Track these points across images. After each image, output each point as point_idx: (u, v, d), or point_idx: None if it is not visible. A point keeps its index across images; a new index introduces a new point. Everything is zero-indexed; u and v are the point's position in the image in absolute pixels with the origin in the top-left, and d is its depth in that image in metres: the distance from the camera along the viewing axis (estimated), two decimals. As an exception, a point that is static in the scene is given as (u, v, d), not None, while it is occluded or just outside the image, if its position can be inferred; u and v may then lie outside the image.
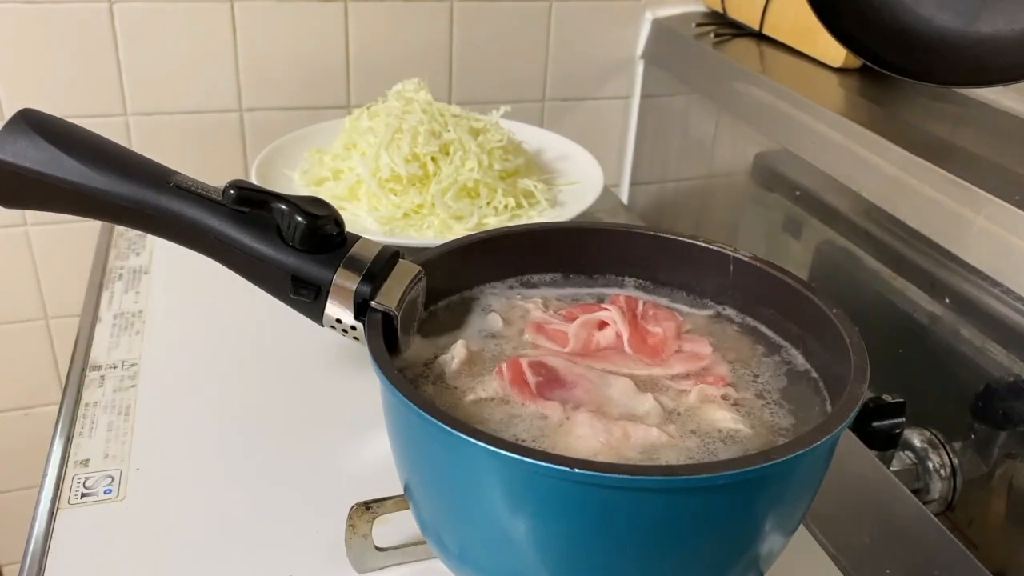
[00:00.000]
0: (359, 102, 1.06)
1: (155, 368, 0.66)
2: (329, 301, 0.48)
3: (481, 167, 0.81)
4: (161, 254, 0.81)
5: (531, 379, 0.45)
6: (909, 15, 0.84)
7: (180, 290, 0.76)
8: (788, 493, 0.40)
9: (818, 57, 0.97)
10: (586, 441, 0.41)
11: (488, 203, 0.82)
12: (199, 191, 0.49)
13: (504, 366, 0.45)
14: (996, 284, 0.67)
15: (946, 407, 0.73)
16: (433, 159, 0.81)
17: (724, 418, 0.44)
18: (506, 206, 0.82)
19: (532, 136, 0.95)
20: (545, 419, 0.43)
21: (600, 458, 0.40)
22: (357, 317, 0.47)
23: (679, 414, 0.44)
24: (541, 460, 0.35)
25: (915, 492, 0.70)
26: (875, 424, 0.68)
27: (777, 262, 0.51)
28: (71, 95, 1.00)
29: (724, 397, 0.45)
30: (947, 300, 0.73)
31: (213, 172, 1.00)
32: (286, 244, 0.48)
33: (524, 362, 0.45)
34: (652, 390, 0.46)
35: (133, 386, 0.64)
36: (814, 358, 0.48)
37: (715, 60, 1.04)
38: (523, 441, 0.41)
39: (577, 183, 0.89)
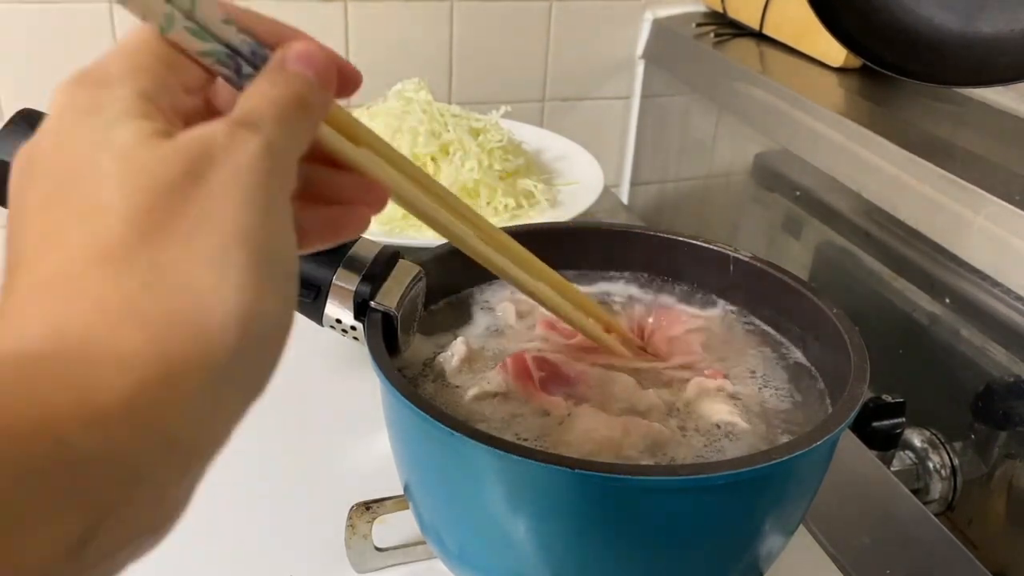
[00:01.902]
0: (359, 102, 1.06)
1: (155, 368, 0.66)
2: (329, 301, 0.48)
3: (481, 167, 0.81)
4: (161, 254, 0.81)
5: (535, 374, 0.45)
6: (909, 15, 0.84)
7: (180, 290, 0.76)
8: (788, 493, 0.40)
9: (818, 57, 0.97)
10: (588, 437, 0.41)
11: (488, 203, 0.81)
12: (199, 191, 0.49)
13: (508, 361, 0.45)
14: (996, 284, 0.67)
15: (946, 407, 0.73)
16: (433, 159, 0.81)
17: (722, 411, 0.44)
18: (506, 206, 0.82)
19: (532, 136, 0.95)
20: (547, 416, 0.43)
21: (602, 455, 0.40)
22: (357, 317, 0.47)
23: (679, 409, 0.44)
24: (541, 460, 0.35)
25: (915, 492, 0.70)
26: (875, 424, 0.68)
27: (777, 262, 0.51)
28: (71, 95, 1.00)
29: (719, 389, 0.45)
30: (947, 300, 0.73)
31: (213, 172, 1.00)
32: (286, 244, 0.48)
33: (528, 357, 0.46)
34: (653, 386, 0.46)
35: (133, 386, 0.64)
36: (814, 358, 0.48)
37: (715, 60, 1.04)
38: (525, 440, 0.41)
39: (577, 183, 0.89)
